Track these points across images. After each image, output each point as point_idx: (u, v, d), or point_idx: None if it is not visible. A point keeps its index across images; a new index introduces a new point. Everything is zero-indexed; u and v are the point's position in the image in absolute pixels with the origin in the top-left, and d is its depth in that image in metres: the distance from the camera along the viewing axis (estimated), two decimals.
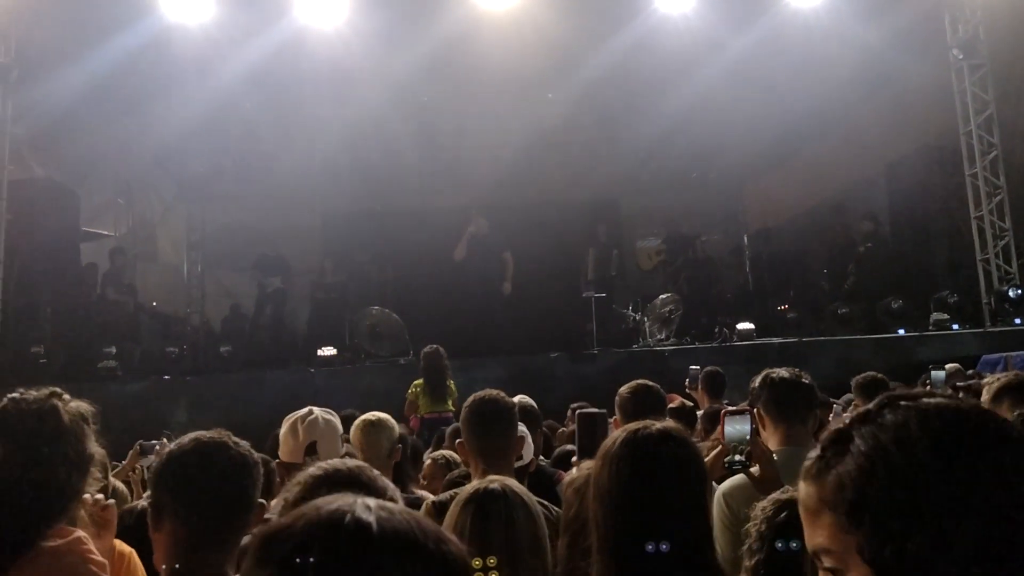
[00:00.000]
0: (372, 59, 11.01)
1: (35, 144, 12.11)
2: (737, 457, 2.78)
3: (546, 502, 2.87)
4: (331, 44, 10.63)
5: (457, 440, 3.21)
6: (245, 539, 2.07)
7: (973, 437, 0.97)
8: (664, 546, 1.81)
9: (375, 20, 10.40)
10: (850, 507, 0.97)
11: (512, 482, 2.23)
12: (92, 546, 2.06)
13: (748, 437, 2.79)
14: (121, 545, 2.43)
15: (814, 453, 1.06)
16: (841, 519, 0.99)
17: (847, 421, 1.05)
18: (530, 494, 2.20)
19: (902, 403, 1.02)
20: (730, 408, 3.05)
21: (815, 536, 1.03)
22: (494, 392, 3.20)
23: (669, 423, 2.05)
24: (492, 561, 1.01)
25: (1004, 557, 0.92)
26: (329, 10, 10.34)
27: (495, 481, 2.16)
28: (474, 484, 2.21)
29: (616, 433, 2.03)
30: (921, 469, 0.95)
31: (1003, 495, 0.93)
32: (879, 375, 5.25)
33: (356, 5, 10.30)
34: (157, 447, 5.05)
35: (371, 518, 0.85)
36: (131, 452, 5.08)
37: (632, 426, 2.01)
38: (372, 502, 0.87)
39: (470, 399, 3.19)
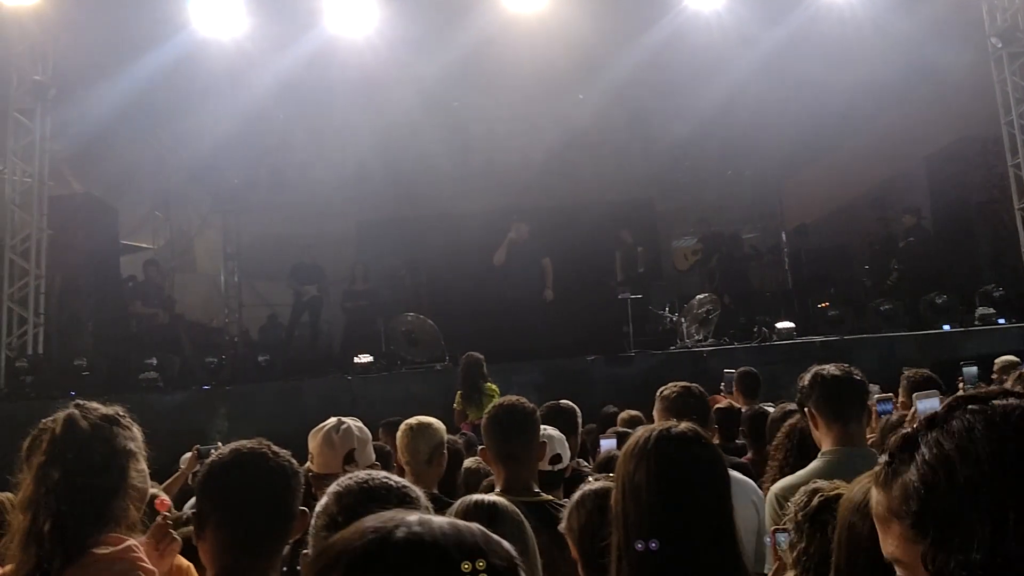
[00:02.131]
0: (402, 66, 11.06)
1: (74, 160, 12.33)
2: None
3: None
4: (361, 52, 10.69)
5: (480, 447, 3.19)
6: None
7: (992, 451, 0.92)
8: (653, 544, 1.83)
9: (404, 27, 10.44)
10: (915, 518, 0.95)
11: (498, 498, 2.30)
12: (143, 554, 2.11)
13: None
14: (179, 559, 2.47)
15: (883, 459, 1.04)
16: (908, 529, 0.96)
17: (916, 425, 1.01)
18: (514, 507, 2.27)
19: (970, 406, 0.97)
20: (921, 393, 3.05)
21: (887, 545, 1.01)
22: (514, 399, 3.20)
23: (689, 424, 2.06)
24: (481, 564, 1.04)
25: None
26: (359, 19, 10.40)
27: (484, 495, 2.27)
28: (464, 499, 2.28)
29: (642, 432, 2.03)
30: (983, 480, 0.91)
31: None
32: (932, 375, 5.07)
33: (385, 13, 10.35)
34: (214, 451, 5.11)
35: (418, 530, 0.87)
36: (190, 456, 5.17)
37: (659, 426, 2.03)
38: (415, 516, 0.90)
39: (491, 407, 3.21)
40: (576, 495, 2.39)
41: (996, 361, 6.38)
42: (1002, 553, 0.88)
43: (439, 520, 0.89)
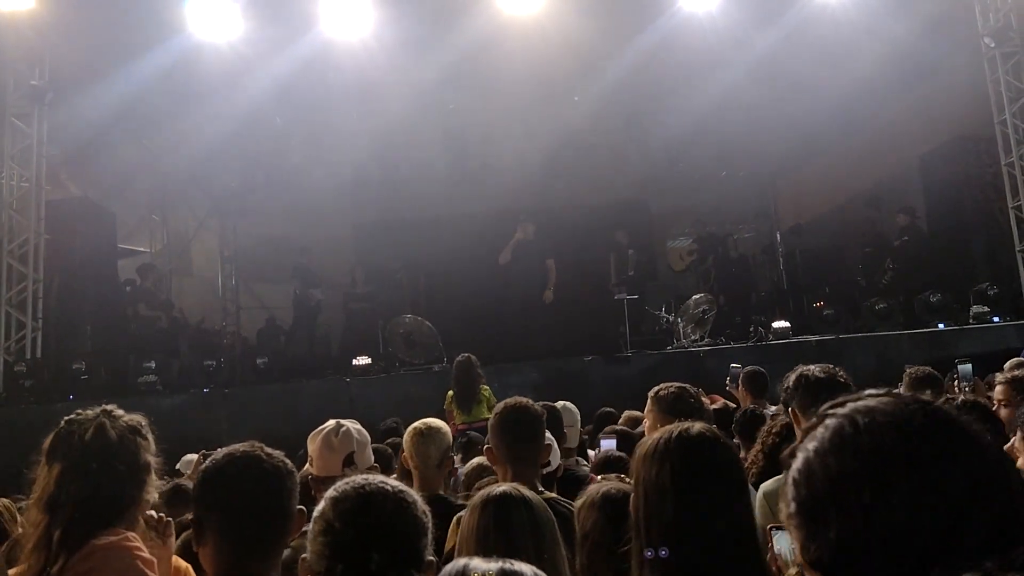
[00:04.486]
0: (398, 68, 11.07)
1: (70, 164, 12.32)
2: None
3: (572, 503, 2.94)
4: (357, 55, 10.70)
5: (485, 446, 3.21)
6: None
7: (873, 436, 1.02)
8: (663, 552, 1.83)
9: (400, 29, 10.45)
10: (794, 521, 1.06)
11: (520, 486, 2.31)
12: (141, 544, 2.15)
13: None
14: (178, 561, 2.51)
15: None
16: (795, 530, 1.06)
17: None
18: (536, 495, 2.29)
19: (830, 411, 1.09)
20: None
21: (799, 554, 1.08)
22: (524, 400, 3.23)
23: (704, 424, 2.07)
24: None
25: (903, 550, 0.97)
26: (355, 22, 10.40)
27: (507, 485, 2.27)
28: (488, 489, 2.28)
29: (658, 434, 2.02)
30: (830, 473, 1.03)
31: (896, 490, 0.98)
32: (934, 372, 5.11)
33: (381, 16, 10.36)
34: None
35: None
36: (196, 459, 5.23)
37: (676, 427, 2.02)
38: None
39: (500, 406, 3.23)
40: (594, 488, 2.39)
41: (1006, 364, 6.39)
42: (849, 533, 0.99)
43: None
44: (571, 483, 3.49)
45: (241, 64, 10.67)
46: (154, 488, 2.30)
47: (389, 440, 5.65)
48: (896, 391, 1.12)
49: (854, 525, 0.98)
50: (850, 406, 1.08)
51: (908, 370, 5.09)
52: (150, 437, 2.30)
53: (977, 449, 1.02)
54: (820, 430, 1.07)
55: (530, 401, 3.24)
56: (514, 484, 2.34)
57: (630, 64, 11.37)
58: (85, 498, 2.11)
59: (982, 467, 1.00)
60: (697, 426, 2.02)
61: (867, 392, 1.11)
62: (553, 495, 3.02)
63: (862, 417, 1.05)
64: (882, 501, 0.98)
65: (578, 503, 2.43)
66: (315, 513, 1.74)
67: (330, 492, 1.74)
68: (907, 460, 1.00)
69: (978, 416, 3.08)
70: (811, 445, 1.06)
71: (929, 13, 10.80)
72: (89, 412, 2.24)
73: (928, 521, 0.96)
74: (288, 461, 2.11)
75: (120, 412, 2.28)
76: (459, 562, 1.30)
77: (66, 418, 2.24)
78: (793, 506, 1.06)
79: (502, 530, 2.11)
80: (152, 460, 2.28)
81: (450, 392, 7.99)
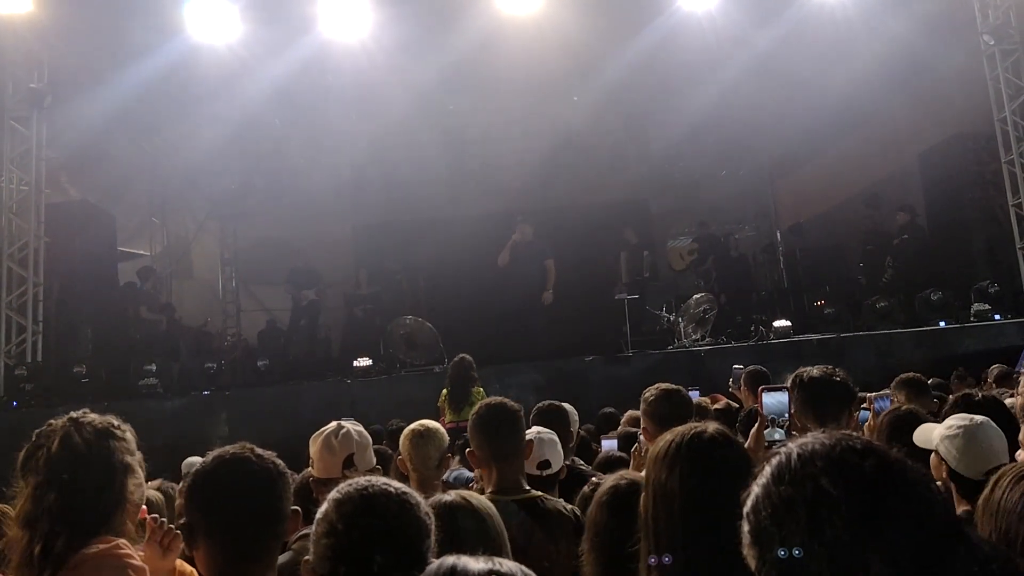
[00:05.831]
0: (396, 70, 11.06)
1: (70, 167, 12.32)
2: (776, 436, 2.85)
3: (574, 508, 2.99)
4: (356, 57, 10.70)
5: (467, 449, 3.20)
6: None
7: (806, 466, 1.16)
8: (667, 559, 1.82)
9: (398, 31, 10.44)
10: (750, 552, 1.18)
11: (469, 493, 2.37)
12: (132, 552, 2.11)
13: (787, 409, 2.87)
14: (183, 565, 2.47)
15: None
16: (753, 563, 1.19)
17: None
18: (485, 500, 2.33)
19: (775, 450, 1.23)
20: (768, 386, 3.09)
21: None
22: (499, 399, 3.23)
23: (718, 426, 2.05)
24: None
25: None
26: (353, 23, 10.39)
27: (455, 494, 2.30)
28: (435, 497, 2.27)
29: (670, 436, 2.00)
30: (771, 502, 1.16)
31: (826, 508, 1.11)
32: (919, 376, 5.12)
33: (379, 17, 10.35)
34: None
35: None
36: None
37: (688, 429, 2.00)
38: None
39: (476, 407, 3.23)
40: (606, 487, 2.37)
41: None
42: (786, 547, 1.11)
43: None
44: (574, 484, 3.48)
45: (240, 66, 10.67)
46: (139, 488, 2.24)
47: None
48: (842, 430, 1.26)
49: (793, 541, 1.11)
50: (791, 444, 1.22)
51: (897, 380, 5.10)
52: (128, 436, 2.25)
53: (901, 478, 1.14)
54: (766, 467, 1.21)
55: (507, 400, 3.22)
56: (462, 492, 2.36)
57: (629, 64, 11.35)
58: (61, 510, 2.07)
59: (906, 492, 1.13)
60: (711, 428, 1.99)
61: (809, 434, 1.24)
62: (539, 493, 3.01)
63: (798, 450, 1.19)
64: (815, 519, 1.10)
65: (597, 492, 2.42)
66: (318, 515, 1.73)
67: (333, 494, 1.73)
68: (834, 484, 1.12)
69: (993, 410, 3.11)
70: (760, 481, 1.20)
71: (928, 11, 10.80)
72: (56, 422, 2.19)
73: (856, 535, 1.08)
74: (280, 462, 2.07)
75: (91, 417, 2.22)
76: (447, 560, 1.29)
77: (36, 431, 2.19)
78: (748, 538, 1.18)
79: (449, 538, 2.10)
80: (133, 460, 2.22)
81: (444, 390, 8.00)
